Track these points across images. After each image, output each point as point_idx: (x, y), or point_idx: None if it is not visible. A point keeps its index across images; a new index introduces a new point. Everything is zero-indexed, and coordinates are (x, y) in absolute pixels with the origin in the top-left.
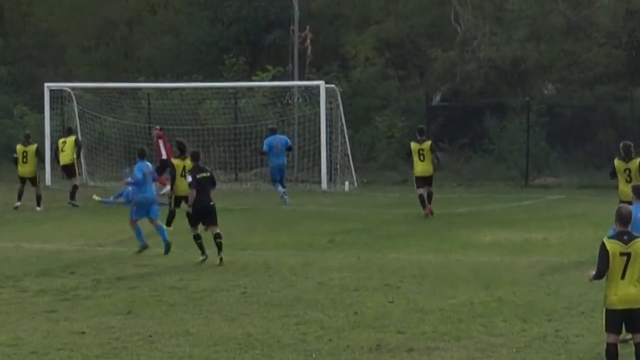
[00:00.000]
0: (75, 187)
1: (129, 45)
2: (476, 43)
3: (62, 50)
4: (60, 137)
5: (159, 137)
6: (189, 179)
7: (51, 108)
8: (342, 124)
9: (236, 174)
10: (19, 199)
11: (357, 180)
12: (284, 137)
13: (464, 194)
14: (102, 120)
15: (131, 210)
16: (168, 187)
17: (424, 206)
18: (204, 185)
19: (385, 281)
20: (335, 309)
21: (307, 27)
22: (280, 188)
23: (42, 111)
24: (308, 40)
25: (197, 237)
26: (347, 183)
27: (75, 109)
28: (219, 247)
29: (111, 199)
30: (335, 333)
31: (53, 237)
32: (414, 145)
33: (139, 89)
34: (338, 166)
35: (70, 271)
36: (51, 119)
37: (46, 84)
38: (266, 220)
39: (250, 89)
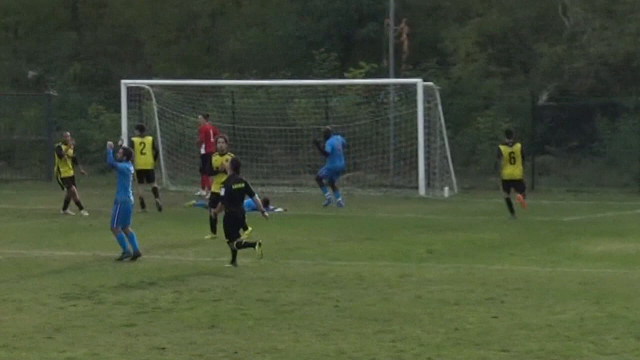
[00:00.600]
0: (156, 190)
1: (212, 39)
2: (586, 38)
3: (139, 44)
4: (135, 135)
5: (207, 129)
6: (222, 191)
7: (128, 107)
8: (440, 125)
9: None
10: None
11: (457, 185)
12: (341, 138)
13: (573, 200)
14: (183, 120)
15: (115, 215)
16: (204, 191)
17: (512, 211)
18: (238, 197)
19: (488, 295)
20: (434, 325)
21: (404, 20)
22: (329, 194)
23: (118, 110)
24: (404, 35)
25: (240, 245)
26: (446, 188)
27: (155, 108)
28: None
29: (202, 201)
30: (434, 350)
31: None
32: (504, 148)
33: (223, 86)
34: (437, 170)
35: (150, 282)
36: (128, 118)
37: (123, 81)
38: (360, 228)
39: (342, 86)
